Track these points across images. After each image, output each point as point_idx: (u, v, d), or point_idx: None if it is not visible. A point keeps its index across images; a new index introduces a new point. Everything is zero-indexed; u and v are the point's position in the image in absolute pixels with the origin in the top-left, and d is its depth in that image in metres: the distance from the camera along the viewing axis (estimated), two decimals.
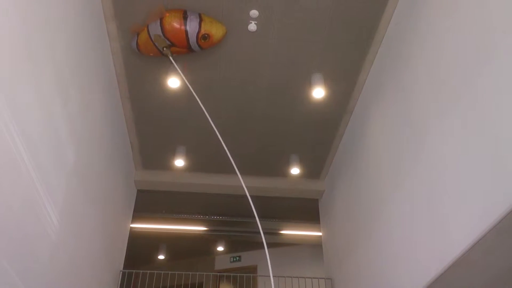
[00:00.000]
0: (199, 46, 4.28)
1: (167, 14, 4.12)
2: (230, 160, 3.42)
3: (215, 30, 4.20)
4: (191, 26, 4.13)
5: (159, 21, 4.14)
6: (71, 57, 3.52)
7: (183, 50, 4.35)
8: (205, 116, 5.44)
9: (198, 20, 4.13)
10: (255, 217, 7.98)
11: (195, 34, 4.16)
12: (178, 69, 4.33)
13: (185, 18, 4.13)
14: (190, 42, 4.22)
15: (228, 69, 4.83)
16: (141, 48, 4.37)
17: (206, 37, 4.20)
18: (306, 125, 5.61)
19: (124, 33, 4.41)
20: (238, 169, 6.33)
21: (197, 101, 4.04)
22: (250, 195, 6.81)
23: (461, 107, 2.93)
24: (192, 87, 5.02)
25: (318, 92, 4.88)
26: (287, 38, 4.48)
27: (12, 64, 2.58)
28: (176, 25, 4.13)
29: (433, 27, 3.44)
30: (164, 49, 4.37)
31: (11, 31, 2.55)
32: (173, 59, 4.38)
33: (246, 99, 5.24)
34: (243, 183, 3.34)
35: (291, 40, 4.51)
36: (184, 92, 5.08)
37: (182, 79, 4.44)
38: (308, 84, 4.94)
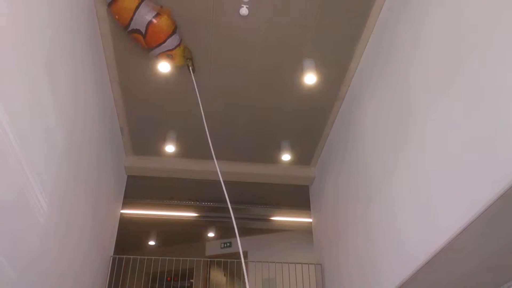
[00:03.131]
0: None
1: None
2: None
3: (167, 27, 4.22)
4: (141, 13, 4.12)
5: None
6: (60, 40, 3.46)
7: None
8: (196, 101, 5.42)
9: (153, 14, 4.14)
10: (246, 204, 8.01)
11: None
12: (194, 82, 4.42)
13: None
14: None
15: (218, 54, 4.78)
16: (113, 8, 4.16)
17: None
18: (297, 111, 5.60)
19: None
20: (229, 155, 6.35)
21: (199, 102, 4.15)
22: (242, 181, 6.85)
23: (452, 93, 2.94)
24: (182, 71, 4.98)
25: (310, 78, 4.86)
26: (279, 23, 4.44)
27: None
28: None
29: (425, 13, 3.43)
30: (187, 60, 4.56)
31: None
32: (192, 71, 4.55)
33: (237, 85, 5.21)
34: (218, 169, 3.43)
35: (283, 25, 4.47)
36: (174, 77, 5.04)
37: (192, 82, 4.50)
38: (299, 70, 4.91)
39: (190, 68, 4.60)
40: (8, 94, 2.64)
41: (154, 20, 4.14)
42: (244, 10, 4.26)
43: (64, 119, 3.64)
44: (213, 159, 6.41)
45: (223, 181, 3.20)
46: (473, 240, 2.82)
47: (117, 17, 4.21)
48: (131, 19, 4.13)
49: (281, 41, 4.63)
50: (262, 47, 4.70)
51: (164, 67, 4.78)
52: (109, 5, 4.16)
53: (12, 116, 2.70)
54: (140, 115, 5.68)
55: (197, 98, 4.25)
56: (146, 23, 4.14)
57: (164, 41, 4.27)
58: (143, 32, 4.18)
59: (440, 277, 3.33)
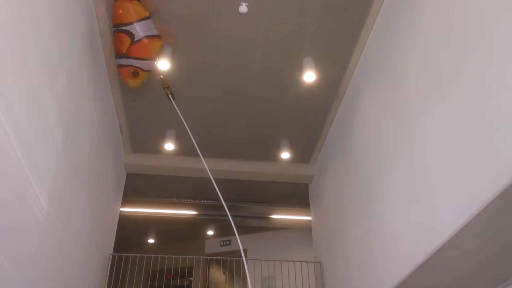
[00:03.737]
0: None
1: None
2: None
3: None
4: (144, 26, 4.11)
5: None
6: (59, 38, 3.46)
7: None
8: (196, 99, 5.42)
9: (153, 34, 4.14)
10: (246, 202, 8.02)
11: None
12: (176, 107, 4.58)
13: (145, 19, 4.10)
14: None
15: (217, 51, 4.78)
16: (122, 3, 4.09)
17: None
18: (296, 110, 5.60)
19: None
20: (228, 154, 6.35)
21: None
22: (241, 179, 6.85)
23: (451, 92, 2.94)
24: (181, 70, 4.98)
25: (309, 76, 4.85)
26: (278, 21, 4.44)
27: None
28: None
29: (425, 10, 3.42)
30: (165, 88, 4.70)
31: None
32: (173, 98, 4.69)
33: (236, 83, 5.21)
34: (206, 166, 3.56)
35: (282, 23, 4.46)
36: (173, 76, 5.03)
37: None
38: (299, 68, 4.91)
39: (170, 96, 4.71)
40: (7, 93, 2.64)
41: (152, 39, 4.15)
42: (243, 8, 4.25)
43: (64, 117, 3.64)
44: (211, 157, 6.45)
45: (216, 179, 3.24)
46: (472, 238, 2.82)
47: (120, 11, 4.10)
48: (133, 23, 4.08)
49: (280, 39, 4.63)
50: (261, 45, 4.69)
51: (163, 65, 4.77)
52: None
53: (11, 115, 2.69)
54: (139, 113, 5.67)
55: (183, 121, 4.42)
56: (144, 35, 4.11)
57: (145, 60, 4.26)
58: (135, 40, 4.12)
59: (439, 275, 3.34)
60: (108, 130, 5.31)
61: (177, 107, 5.41)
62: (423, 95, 3.35)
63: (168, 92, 4.66)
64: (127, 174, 6.54)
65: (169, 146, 6.09)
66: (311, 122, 5.85)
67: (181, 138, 6.08)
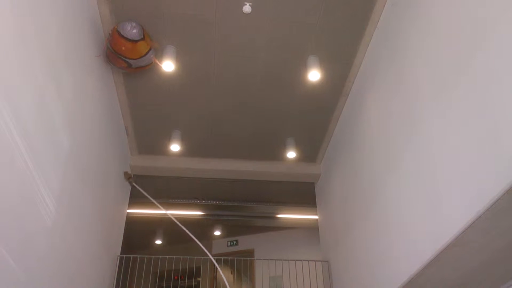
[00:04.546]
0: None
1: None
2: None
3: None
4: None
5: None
6: (64, 41, 3.47)
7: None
8: (201, 100, 5.43)
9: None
10: (252, 201, 8.06)
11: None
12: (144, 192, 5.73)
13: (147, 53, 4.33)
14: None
15: (222, 51, 4.78)
16: (127, 45, 4.21)
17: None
18: (302, 109, 5.60)
19: (117, 17, 4.35)
20: (234, 153, 6.37)
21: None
22: (247, 179, 6.89)
23: (458, 88, 2.92)
24: (186, 71, 4.99)
25: (314, 75, 4.84)
26: (282, 20, 4.44)
27: (3, 49, 2.54)
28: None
29: (430, 7, 3.41)
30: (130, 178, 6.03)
31: (2, 16, 2.50)
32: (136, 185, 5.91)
33: (241, 83, 5.21)
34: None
35: (287, 22, 4.46)
36: (178, 77, 5.05)
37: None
38: (303, 67, 4.90)
39: (130, 181, 5.96)
40: (13, 96, 2.65)
41: (147, 66, 4.49)
42: (247, 8, 4.25)
43: (70, 120, 3.65)
44: (217, 157, 6.47)
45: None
46: (480, 235, 2.81)
47: (123, 48, 4.17)
48: (133, 59, 4.28)
49: (285, 38, 4.63)
50: (266, 44, 4.69)
51: (168, 66, 4.78)
52: (126, 39, 4.12)
53: (18, 117, 2.71)
54: (144, 115, 5.69)
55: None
56: (141, 65, 4.42)
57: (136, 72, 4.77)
58: (132, 67, 4.40)
59: (447, 272, 3.32)
60: (114, 132, 5.33)
61: (183, 105, 5.43)
62: (429, 92, 3.33)
63: (132, 181, 6.00)
64: (134, 175, 6.55)
65: (174, 147, 6.10)
66: (317, 121, 5.84)
67: (186, 139, 6.09)
